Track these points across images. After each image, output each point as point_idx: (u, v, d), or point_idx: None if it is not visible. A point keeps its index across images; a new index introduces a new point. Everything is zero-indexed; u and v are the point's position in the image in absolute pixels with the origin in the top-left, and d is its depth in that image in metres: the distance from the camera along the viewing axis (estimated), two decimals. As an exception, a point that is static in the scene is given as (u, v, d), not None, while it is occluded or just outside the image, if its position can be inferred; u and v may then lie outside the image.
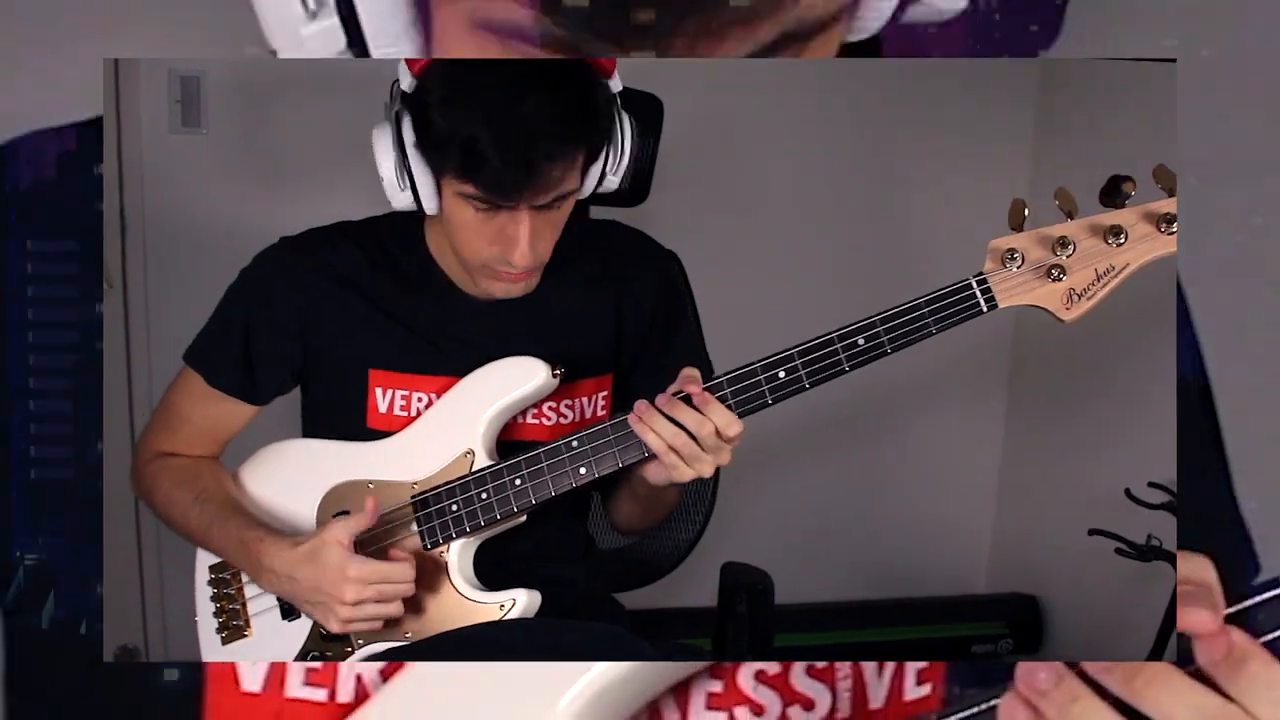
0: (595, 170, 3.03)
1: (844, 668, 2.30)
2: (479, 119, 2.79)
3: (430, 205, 2.95)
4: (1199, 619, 1.77)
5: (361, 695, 2.28)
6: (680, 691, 2.19)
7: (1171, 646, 4.20)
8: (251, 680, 2.37)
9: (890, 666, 2.35)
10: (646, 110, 3.35)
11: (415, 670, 2.18)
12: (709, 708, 2.21)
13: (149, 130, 4.97)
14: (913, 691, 2.36)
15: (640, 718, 2.13)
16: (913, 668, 2.36)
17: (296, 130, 5.01)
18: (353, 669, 2.38)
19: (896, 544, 5.74)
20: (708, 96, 4.89)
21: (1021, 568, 5.69)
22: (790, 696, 2.25)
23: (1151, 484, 4.46)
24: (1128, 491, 4.49)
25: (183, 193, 5.02)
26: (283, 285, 3.23)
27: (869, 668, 2.32)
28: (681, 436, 2.90)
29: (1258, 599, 1.74)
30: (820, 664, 2.27)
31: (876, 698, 2.35)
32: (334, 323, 3.21)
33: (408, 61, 2.87)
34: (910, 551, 5.74)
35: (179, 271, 4.99)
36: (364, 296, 3.22)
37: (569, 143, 2.87)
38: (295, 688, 2.36)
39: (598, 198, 3.12)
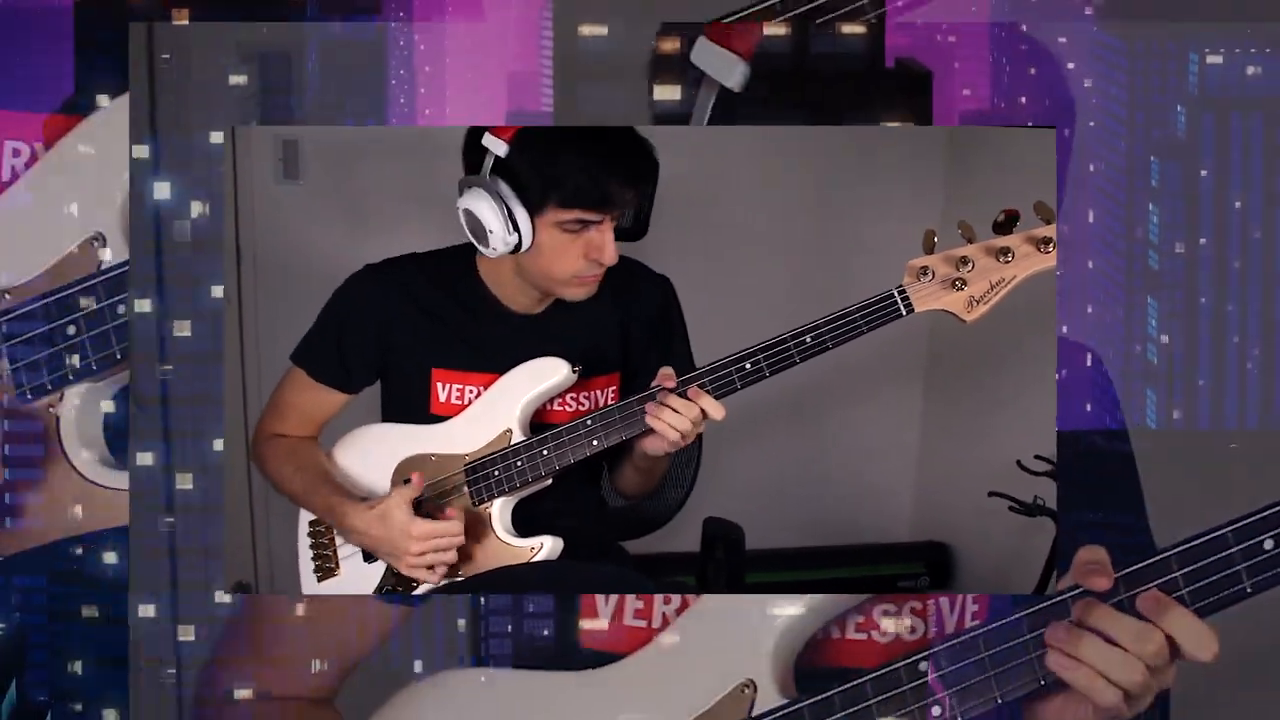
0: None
1: (931, 605, 2.62)
2: (571, 160, 2.89)
3: (529, 241, 3.02)
4: (1100, 584, 2.20)
5: (664, 623, 2.63)
6: (839, 619, 2.58)
7: (1052, 581, 4.20)
8: (604, 614, 2.64)
9: (958, 601, 2.66)
10: (653, 167, 3.37)
11: (700, 604, 2.51)
12: (855, 630, 2.58)
13: (258, 181, 4.99)
14: (970, 623, 2.63)
15: (818, 635, 2.52)
16: (970, 606, 2.67)
17: (372, 182, 5.02)
18: (659, 608, 2.63)
19: (839, 501, 5.75)
20: (693, 155, 4.91)
21: (936, 520, 5.70)
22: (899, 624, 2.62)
23: (1037, 456, 4.48)
24: (1018, 462, 4.50)
25: (284, 229, 5.03)
26: (367, 301, 3.27)
27: (944, 604, 2.63)
28: (684, 422, 2.98)
29: (1127, 570, 2.19)
30: (917, 604, 2.59)
31: (949, 625, 2.63)
32: (406, 331, 3.24)
33: (493, 132, 2.93)
34: (849, 507, 5.75)
35: (282, 290, 5.00)
36: (429, 311, 3.25)
37: (642, 172, 2.98)
38: (629, 618, 2.64)
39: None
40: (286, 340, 3.40)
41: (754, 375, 2.96)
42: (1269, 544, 2.17)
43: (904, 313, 2.94)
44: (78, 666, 2.81)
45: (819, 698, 2.39)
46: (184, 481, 2.70)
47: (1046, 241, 2.90)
